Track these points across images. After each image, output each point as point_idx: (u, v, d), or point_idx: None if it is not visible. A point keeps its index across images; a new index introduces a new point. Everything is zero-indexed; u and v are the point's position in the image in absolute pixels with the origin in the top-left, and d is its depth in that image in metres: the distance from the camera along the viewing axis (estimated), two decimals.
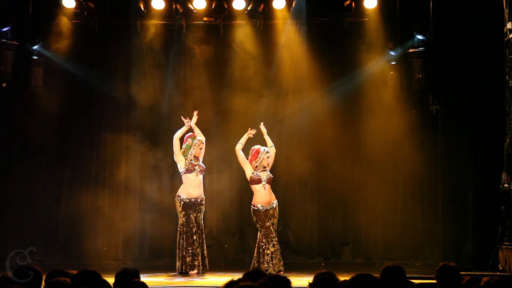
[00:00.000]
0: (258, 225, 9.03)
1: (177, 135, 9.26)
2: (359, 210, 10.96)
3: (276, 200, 9.15)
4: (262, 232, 8.99)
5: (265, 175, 9.06)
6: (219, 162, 10.69)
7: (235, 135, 10.40)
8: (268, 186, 9.06)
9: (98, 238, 10.86)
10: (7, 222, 10.62)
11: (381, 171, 10.83)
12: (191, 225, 9.04)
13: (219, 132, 10.67)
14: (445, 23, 9.97)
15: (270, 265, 8.88)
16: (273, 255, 8.92)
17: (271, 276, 3.91)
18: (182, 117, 9.36)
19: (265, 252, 8.94)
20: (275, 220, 9.07)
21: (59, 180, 10.88)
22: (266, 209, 9.00)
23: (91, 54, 10.81)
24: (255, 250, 9.08)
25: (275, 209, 9.06)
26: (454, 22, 9.83)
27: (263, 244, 8.95)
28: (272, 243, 8.93)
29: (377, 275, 3.97)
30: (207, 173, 10.38)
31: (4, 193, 10.70)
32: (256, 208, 9.04)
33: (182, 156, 9.17)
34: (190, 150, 9.13)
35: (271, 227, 8.97)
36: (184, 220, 9.07)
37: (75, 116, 10.98)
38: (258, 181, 9.02)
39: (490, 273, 8.79)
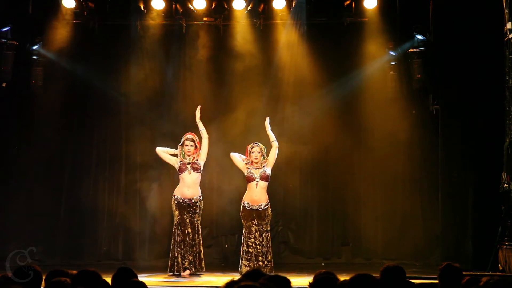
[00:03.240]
0: (243, 221, 8.99)
1: (160, 149, 9.18)
2: (359, 210, 10.95)
3: (267, 202, 8.96)
4: (244, 230, 8.95)
5: (258, 172, 8.92)
6: (219, 161, 10.67)
7: (235, 135, 10.43)
8: (262, 184, 8.91)
9: (98, 238, 10.87)
10: (7, 222, 10.62)
11: (381, 171, 10.82)
12: (184, 227, 8.93)
13: (219, 131, 10.65)
14: (445, 23, 9.98)
15: (241, 262, 8.87)
16: (245, 256, 8.84)
17: (271, 276, 3.91)
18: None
19: (242, 248, 8.91)
20: (262, 222, 8.89)
21: (59, 180, 10.88)
22: (251, 208, 8.91)
23: (91, 54, 10.81)
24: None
25: (261, 210, 8.89)
26: (454, 22, 9.83)
27: (242, 239, 8.93)
28: (247, 244, 8.85)
29: (377, 275, 3.97)
30: (207, 173, 10.38)
31: (4, 193, 10.70)
32: (243, 204, 8.98)
33: (175, 159, 9.08)
34: (183, 152, 9.07)
35: (252, 228, 8.87)
36: (177, 220, 8.97)
37: (75, 116, 10.98)
38: (252, 179, 8.92)
39: (490, 273, 8.78)
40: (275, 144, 9.04)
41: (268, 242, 8.94)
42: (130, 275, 4.21)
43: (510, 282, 3.77)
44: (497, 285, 3.69)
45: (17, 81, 10.46)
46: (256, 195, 8.91)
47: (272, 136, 9.08)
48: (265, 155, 9.00)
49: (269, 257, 8.94)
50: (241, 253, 8.94)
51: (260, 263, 8.81)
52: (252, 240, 8.86)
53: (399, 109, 10.62)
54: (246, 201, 8.96)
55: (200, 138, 9.13)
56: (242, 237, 8.97)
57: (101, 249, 10.91)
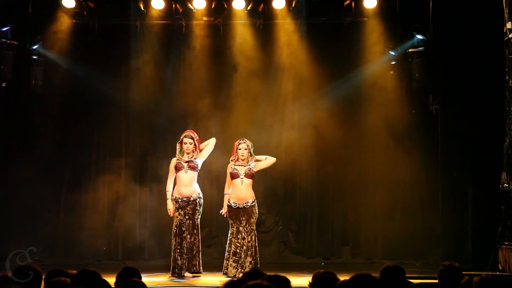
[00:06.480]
0: (231, 221, 8.85)
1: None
2: (359, 210, 10.95)
3: (254, 199, 8.77)
4: (231, 230, 8.80)
5: (243, 169, 8.73)
6: (219, 161, 10.66)
7: (235, 135, 10.39)
8: (246, 181, 8.70)
9: (98, 238, 10.87)
10: (7, 222, 10.62)
11: (381, 171, 10.82)
12: (183, 227, 8.79)
13: (219, 131, 10.64)
14: (445, 23, 9.98)
15: (228, 263, 8.69)
16: (233, 257, 8.67)
17: (271, 276, 3.91)
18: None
19: (227, 248, 8.78)
20: (249, 220, 8.70)
21: (59, 180, 10.88)
22: (238, 207, 8.74)
23: (91, 54, 10.81)
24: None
25: (248, 208, 8.70)
26: (454, 22, 9.84)
27: (229, 239, 8.79)
28: (235, 244, 8.67)
29: (377, 275, 3.97)
30: (207, 172, 10.39)
31: (4, 193, 10.70)
32: (229, 203, 8.78)
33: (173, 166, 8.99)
34: (181, 150, 8.96)
35: (240, 228, 8.69)
36: (177, 221, 8.84)
37: (75, 116, 10.98)
38: (236, 176, 8.72)
39: (490, 272, 8.78)
40: (272, 159, 8.86)
41: (254, 243, 8.70)
42: (135, 275, 4.21)
43: (500, 280, 3.77)
44: (486, 283, 3.70)
45: (17, 81, 10.46)
46: (242, 192, 8.71)
47: (261, 157, 8.87)
48: (252, 152, 8.80)
49: (256, 258, 8.68)
50: (227, 254, 8.74)
51: (240, 260, 8.64)
52: (240, 241, 8.68)
53: (399, 109, 10.62)
54: (232, 200, 8.75)
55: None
56: (229, 237, 8.76)
57: (101, 249, 10.92)
